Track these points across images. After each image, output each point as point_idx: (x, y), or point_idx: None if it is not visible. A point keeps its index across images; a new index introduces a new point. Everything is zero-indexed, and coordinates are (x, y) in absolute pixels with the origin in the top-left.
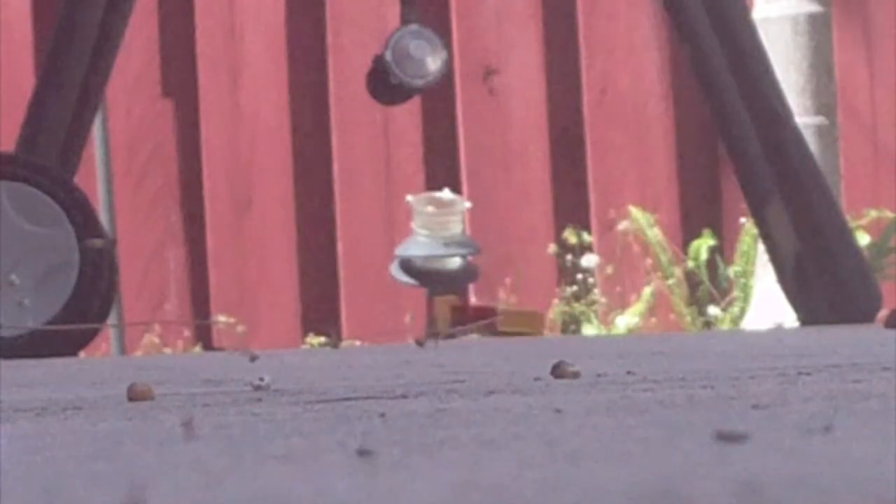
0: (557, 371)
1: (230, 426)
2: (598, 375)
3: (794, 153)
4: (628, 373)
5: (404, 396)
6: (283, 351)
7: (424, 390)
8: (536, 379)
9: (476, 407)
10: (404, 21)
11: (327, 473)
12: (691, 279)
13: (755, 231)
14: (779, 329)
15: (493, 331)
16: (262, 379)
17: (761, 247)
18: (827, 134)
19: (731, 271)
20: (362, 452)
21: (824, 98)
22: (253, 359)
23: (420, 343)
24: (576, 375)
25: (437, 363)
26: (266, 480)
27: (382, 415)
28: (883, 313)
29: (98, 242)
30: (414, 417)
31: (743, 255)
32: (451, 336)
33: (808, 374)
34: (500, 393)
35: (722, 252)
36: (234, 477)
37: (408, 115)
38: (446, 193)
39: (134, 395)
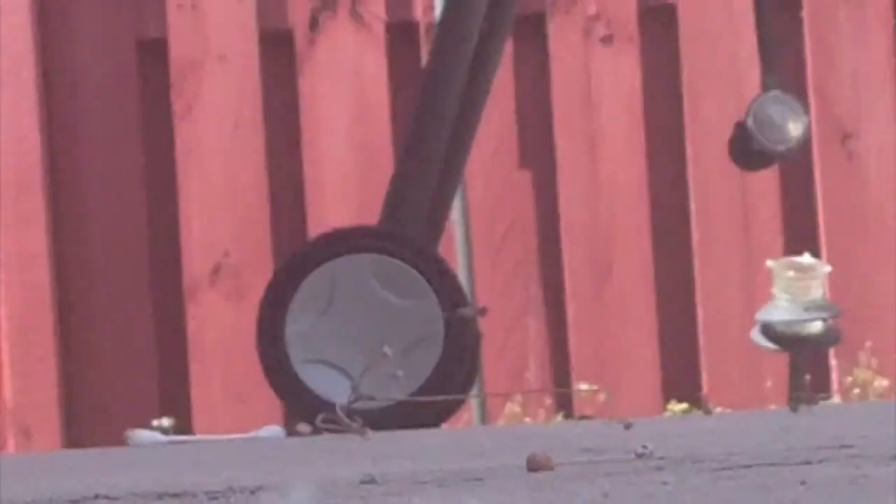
0: None
1: (649, 496)
2: None
3: None
4: None
5: (808, 462)
6: (653, 418)
7: (829, 456)
8: None
9: (890, 472)
10: (765, 87)
11: None
12: None
13: None
14: None
15: None
16: (644, 447)
17: None
18: None
19: None
20: None
21: None
22: (627, 426)
23: (794, 408)
24: None
25: (816, 428)
26: None
27: (804, 482)
28: None
29: (468, 311)
30: (836, 485)
31: None
32: (817, 401)
33: None
34: None
35: None
36: None
37: (766, 179)
38: (806, 258)
39: (535, 466)
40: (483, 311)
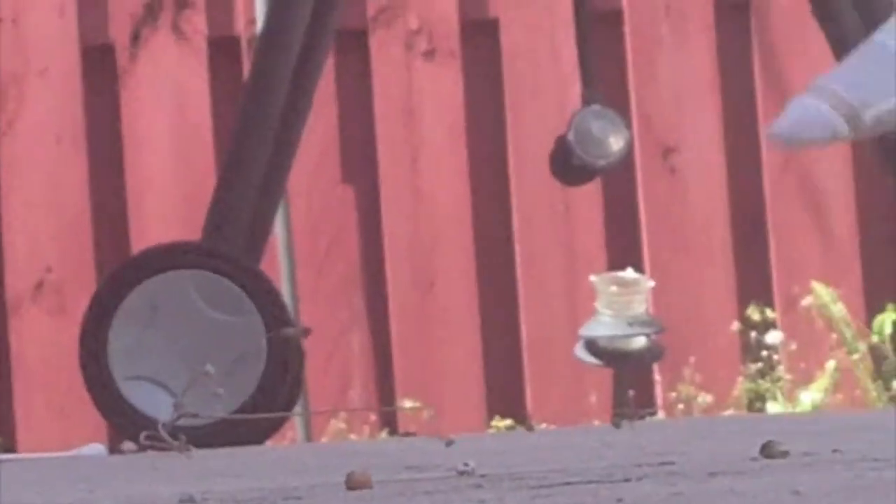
0: (767, 451)
1: None
2: (805, 454)
3: None
4: (834, 451)
5: (627, 480)
6: (475, 435)
7: (648, 473)
8: (753, 459)
9: (706, 489)
10: (586, 102)
11: None
12: (876, 353)
13: None
14: None
15: None
16: (466, 464)
17: None
18: None
19: None
20: None
21: None
22: (449, 444)
23: (616, 424)
24: (784, 455)
25: (638, 444)
26: None
27: (620, 500)
28: None
29: (291, 331)
30: (652, 502)
31: None
32: (643, 416)
33: None
34: (725, 475)
35: None
36: None
37: (588, 194)
38: (629, 273)
39: (354, 484)
40: (306, 332)
